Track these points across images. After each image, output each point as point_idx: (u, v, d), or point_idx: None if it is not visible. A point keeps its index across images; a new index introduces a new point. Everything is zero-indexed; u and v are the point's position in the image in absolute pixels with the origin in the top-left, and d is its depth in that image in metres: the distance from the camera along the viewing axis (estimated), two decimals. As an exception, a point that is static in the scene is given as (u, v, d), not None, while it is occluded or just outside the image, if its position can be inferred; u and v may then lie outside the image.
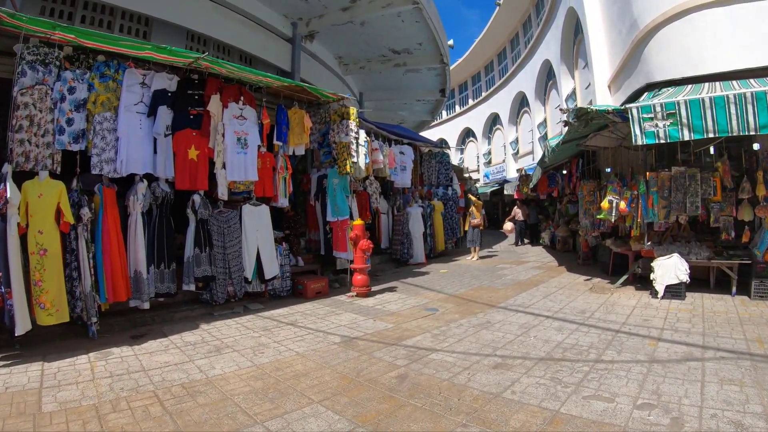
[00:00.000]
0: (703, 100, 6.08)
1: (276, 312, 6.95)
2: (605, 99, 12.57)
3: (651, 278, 7.18)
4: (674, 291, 7.00)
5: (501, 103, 29.31)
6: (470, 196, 13.82)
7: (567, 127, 7.71)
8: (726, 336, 5.19)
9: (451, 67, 35.75)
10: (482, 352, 4.88)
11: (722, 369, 4.18)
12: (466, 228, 13.10)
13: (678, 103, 6.18)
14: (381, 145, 10.97)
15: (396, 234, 11.94)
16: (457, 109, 38.15)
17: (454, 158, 32.73)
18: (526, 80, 24.87)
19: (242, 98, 7.37)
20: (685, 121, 6.14)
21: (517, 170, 24.10)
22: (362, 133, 9.52)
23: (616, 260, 9.09)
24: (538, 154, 22.84)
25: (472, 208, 12.61)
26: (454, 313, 6.66)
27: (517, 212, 16.25)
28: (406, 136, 12.79)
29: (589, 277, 9.09)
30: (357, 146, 8.99)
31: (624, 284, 8.07)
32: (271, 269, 7.60)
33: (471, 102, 35.49)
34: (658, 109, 6.28)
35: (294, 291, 8.17)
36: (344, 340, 5.47)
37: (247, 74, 7.27)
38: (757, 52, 7.59)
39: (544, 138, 22.99)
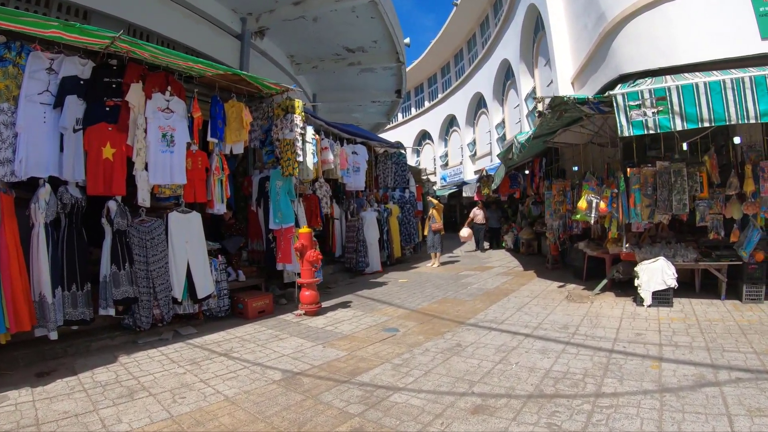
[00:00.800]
0: (696, 85, 5.36)
1: (210, 338, 5.80)
2: (569, 95, 11.99)
3: (636, 284, 6.43)
4: (662, 297, 6.28)
5: (458, 104, 28.80)
6: (430, 198, 12.83)
7: (540, 119, 6.89)
8: (733, 349, 4.48)
9: (407, 69, 34.95)
10: (456, 389, 3.88)
11: (744, 395, 3.47)
12: (425, 233, 12.16)
13: (669, 89, 5.44)
14: (331, 143, 9.87)
15: (349, 241, 10.85)
16: (413, 111, 37.51)
17: (411, 160, 31.97)
18: (483, 81, 24.40)
19: (169, 88, 6.22)
20: (677, 108, 5.40)
21: (475, 172, 23.56)
22: (310, 130, 8.44)
23: (591, 264, 8.36)
24: (496, 154, 22.37)
25: (433, 212, 11.70)
26: (418, 333, 5.64)
27: (477, 215, 15.30)
28: (359, 134, 11.74)
29: (562, 284, 8.30)
30: (303, 144, 7.95)
31: (602, 290, 7.31)
32: (204, 287, 6.39)
33: (427, 104, 34.91)
34: (647, 95, 5.52)
35: (233, 310, 6.99)
36: (286, 376, 4.37)
37: (175, 59, 6.07)
38: (734, 42, 7.08)
39: (502, 139, 22.53)
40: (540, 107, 6.52)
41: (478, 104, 26.52)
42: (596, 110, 6.88)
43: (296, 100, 7.75)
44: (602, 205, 6.82)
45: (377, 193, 12.92)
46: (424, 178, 18.57)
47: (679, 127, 5.41)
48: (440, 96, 32.19)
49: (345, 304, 7.52)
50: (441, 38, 29.21)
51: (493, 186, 13.31)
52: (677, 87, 5.42)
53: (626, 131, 5.59)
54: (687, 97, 5.37)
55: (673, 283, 6.27)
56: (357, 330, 5.91)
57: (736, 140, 6.57)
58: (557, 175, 12.87)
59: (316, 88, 19.38)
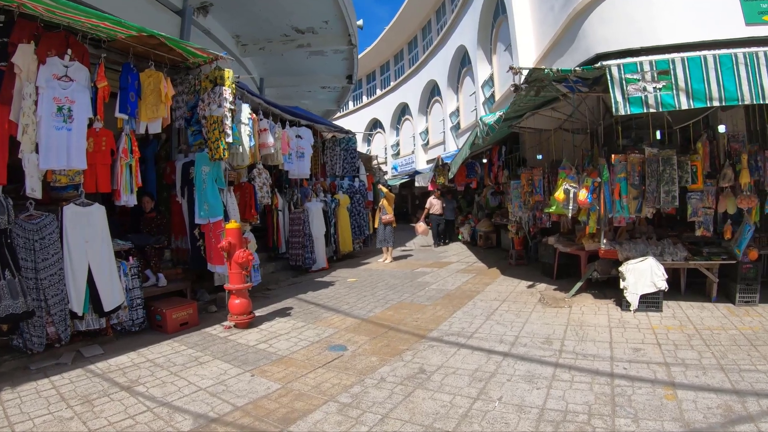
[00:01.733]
0: (705, 58, 4.54)
1: (117, 361, 4.55)
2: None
3: (621, 286, 5.60)
4: (650, 301, 5.50)
5: (411, 92, 27.80)
6: (381, 187, 11.55)
7: (516, 94, 5.87)
8: (749, 367, 3.76)
9: (360, 56, 33.63)
10: (427, 447, 2.78)
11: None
12: (376, 225, 11.02)
13: (673, 61, 4.59)
14: (271, 125, 8.51)
15: (294, 235, 9.56)
16: (365, 99, 36.23)
17: (362, 148, 30.73)
18: (438, 68, 23.48)
19: (70, 51, 4.86)
20: (682, 84, 4.55)
21: (428, 161, 22.69)
22: (245, 109, 7.15)
23: (562, 261, 7.54)
24: (450, 144, 21.57)
25: (383, 202, 10.59)
26: (371, 353, 4.54)
27: (434, 204, 13.61)
28: (304, 116, 10.39)
29: (531, 283, 7.42)
30: (238, 125, 6.76)
31: (578, 292, 6.45)
32: (111, 296, 5.05)
33: (379, 92, 33.71)
34: (647, 67, 4.63)
35: (151, 323, 5.68)
36: (198, 425, 3.20)
37: (76, 15, 4.63)
38: (717, 25, 6.50)
39: (456, 128, 21.74)
40: (516, 80, 5.49)
41: (432, 92, 25.62)
42: (574, 90, 5.98)
43: (226, 70, 6.42)
44: (582, 195, 5.92)
45: (324, 182, 11.66)
46: (375, 166, 17.35)
47: (684, 106, 4.54)
48: (393, 84, 31.07)
49: (285, 312, 6.31)
50: (395, 24, 28.05)
51: (450, 175, 12.34)
52: (683, 60, 4.56)
53: (622, 109, 4.67)
54: (694, 72, 4.51)
55: (664, 286, 5.49)
56: (296, 349, 4.73)
57: (721, 129, 5.83)
58: (519, 164, 12.08)
59: (263, 72, 17.88)
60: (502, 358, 4.21)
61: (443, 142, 22.97)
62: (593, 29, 7.89)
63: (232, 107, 6.54)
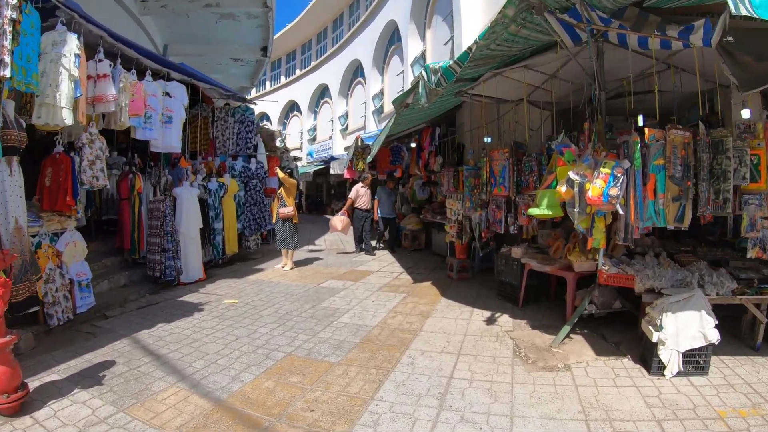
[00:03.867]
0: None
1: None
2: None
3: (656, 339, 3.27)
4: (692, 359, 3.28)
5: (332, 73, 24.78)
6: (277, 171, 8.26)
7: (501, 15, 3.36)
8: None
9: (280, 34, 30.31)
10: None
11: None
12: (273, 220, 8.07)
13: None
14: (117, 71, 5.33)
15: (153, 234, 6.39)
16: (283, 80, 32.55)
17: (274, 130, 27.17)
18: (363, 46, 20.71)
19: None
20: None
21: (346, 148, 19.90)
22: (71, 39, 4.20)
23: (531, 281, 5.18)
24: (371, 128, 18.96)
25: (281, 192, 7.70)
26: None
27: (360, 195, 9.78)
28: (176, 67, 7.10)
29: (489, 314, 4.95)
30: (55, 62, 4.10)
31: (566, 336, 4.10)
32: None
33: (298, 72, 30.24)
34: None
35: None
36: None
37: None
38: None
39: (379, 111, 19.17)
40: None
41: (355, 73, 22.83)
42: (583, 20, 3.58)
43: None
44: (595, 190, 3.51)
45: (212, 162, 8.53)
46: (281, 144, 14.02)
47: None
48: (313, 63, 27.79)
49: (97, 374, 3.37)
50: (319, 1, 24.88)
51: (369, 158, 9.66)
52: None
53: (744, 8, 2.27)
54: None
55: (716, 337, 3.26)
56: None
57: (745, 113, 3.71)
58: (456, 150, 9.74)
59: (167, 38, 14.17)
60: None
61: (364, 128, 20.30)
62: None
63: (15, 16, 3.46)
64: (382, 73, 19.53)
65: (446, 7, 12.86)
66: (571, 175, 3.54)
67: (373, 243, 10.49)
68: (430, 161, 10.03)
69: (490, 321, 4.78)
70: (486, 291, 6.08)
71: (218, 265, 7.75)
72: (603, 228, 3.86)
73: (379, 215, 10.20)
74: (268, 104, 32.38)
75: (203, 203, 7.28)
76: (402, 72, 16.76)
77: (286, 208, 7.58)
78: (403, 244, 10.25)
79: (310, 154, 26.90)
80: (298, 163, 21.39)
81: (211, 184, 7.60)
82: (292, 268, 7.62)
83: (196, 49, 15.42)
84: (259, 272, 7.46)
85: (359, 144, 11.10)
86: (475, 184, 5.98)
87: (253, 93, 34.29)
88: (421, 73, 4.55)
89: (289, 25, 28.80)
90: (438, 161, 9.58)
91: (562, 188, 3.66)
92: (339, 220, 9.07)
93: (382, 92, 19.28)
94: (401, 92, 17.09)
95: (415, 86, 4.71)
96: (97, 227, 7.68)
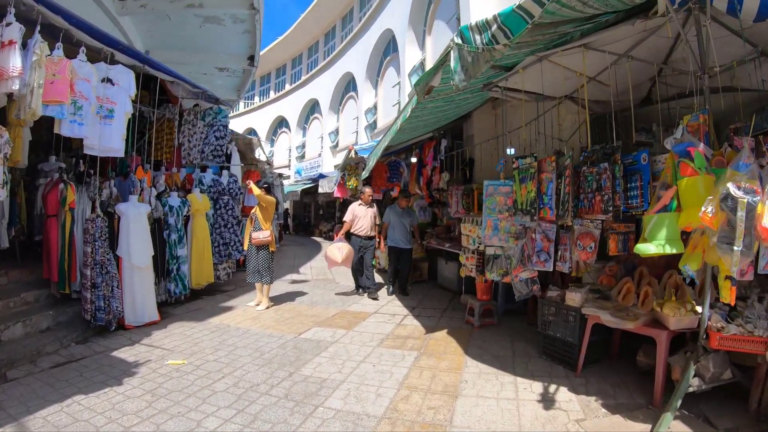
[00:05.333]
0: None
1: None
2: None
3: None
4: None
5: (323, 87, 23.47)
6: (250, 186, 6.32)
7: None
8: None
9: (270, 47, 29.11)
10: None
11: None
12: (245, 246, 6.44)
13: None
14: (33, 41, 3.87)
15: (86, 262, 4.78)
16: (272, 94, 31.21)
17: (265, 149, 25.66)
18: (357, 58, 19.45)
19: None
20: None
21: (335, 166, 18.38)
22: None
23: (594, 337, 3.71)
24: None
25: (256, 211, 6.15)
26: None
27: (359, 217, 7.18)
28: (125, 49, 5.51)
29: (540, 387, 3.43)
30: None
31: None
32: None
33: (288, 87, 28.92)
34: None
35: None
36: None
37: None
38: None
39: (372, 127, 17.80)
40: None
41: (347, 87, 21.53)
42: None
43: None
44: None
45: (177, 175, 7.00)
46: (261, 156, 12.29)
47: None
48: (304, 77, 26.50)
49: None
50: (311, 13, 23.70)
51: (364, 173, 8.12)
52: None
53: None
54: None
55: None
56: None
57: None
58: (465, 165, 8.32)
59: (148, 43, 12.73)
60: None
61: (355, 144, 18.96)
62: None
63: None
64: (375, 86, 18.25)
65: (450, 10, 11.62)
66: (733, 190, 2.08)
67: (379, 279, 8.15)
68: (433, 178, 8.60)
69: (547, 401, 3.25)
70: (522, 345, 4.56)
71: (179, 302, 6.13)
72: (731, 269, 2.39)
73: (387, 244, 7.38)
74: (257, 120, 31.06)
75: (160, 224, 5.72)
76: (398, 83, 15.45)
77: (261, 232, 5.96)
78: (402, 274, 8.71)
79: (298, 172, 25.40)
80: (285, 182, 19.87)
81: (172, 199, 6.02)
82: (267, 307, 5.99)
83: (179, 56, 13.95)
84: (226, 312, 5.82)
85: (353, 156, 9.59)
86: (505, 206, 4.51)
87: (242, 108, 32.99)
88: (452, 41, 3.11)
89: (280, 39, 27.64)
90: (444, 178, 8.15)
91: (708, 210, 2.19)
92: (337, 248, 6.69)
93: (375, 106, 17.96)
94: (395, 104, 15.63)
95: (443, 60, 3.26)
96: (27, 251, 6.09)
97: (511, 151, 6.47)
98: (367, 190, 7.41)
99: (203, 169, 7.28)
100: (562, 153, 4.55)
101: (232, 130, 8.26)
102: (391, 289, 7.41)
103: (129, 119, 5.26)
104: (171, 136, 7.47)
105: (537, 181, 4.18)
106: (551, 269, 4.27)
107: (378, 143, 7.12)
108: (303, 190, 20.49)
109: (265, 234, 5.96)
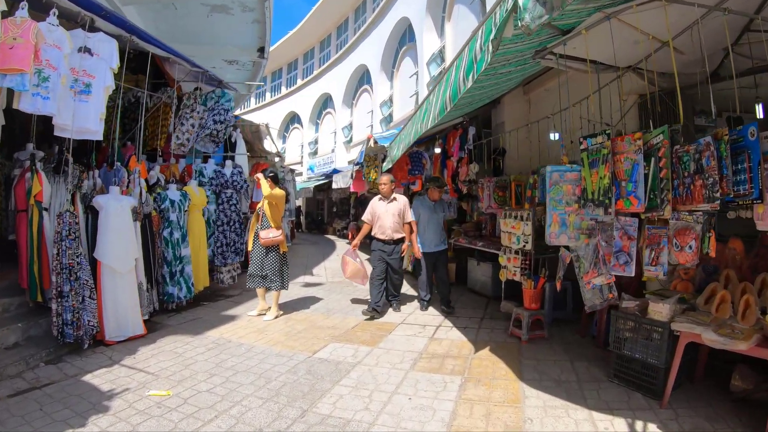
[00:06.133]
0: None
1: None
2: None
3: None
4: None
5: (335, 80, 22.66)
6: (259, 177, 5.36)
7: None
8: None
9: (281, 42, 28.34)
10: None
11: None
12: (249, 248, 5.33)
13: None
14: None
15: (54, 267, 3.96)
16: (284, 90, 30.44)
17: (278, 145, 24.85)
18: (371, 49, 18.58)
19: None
20: None
21: (350, 162, 17.49)
22: None
23: (684, 359, 2.89)
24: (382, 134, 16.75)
25: (264, 206, 5.21)
26: None
27: (378, 214, 5.55)
28: (108, 15, 4.63)
29: (625, 425, 2.58)
30: None
31: None
32: None
33: (300, 82, 28.14)
34: None
35: None
36: None
37: None
38: None
39: (387, 120, 16.93)
40: None
41: (361, 80, 20.68)
42: None
43: None
44: None
45: (175, 166, 6.23)
46: (271, 148, 11.35)
47: None
48: (316, 72, 25.69)
49: None
50: (325, 3, 22.84)
51: (387, 164, 7.23)
52: None
53: None
54: None
55: None
56: None
57: None
58: (499, 154, 7.43)
59: (154, 35, 12.09)
60: None
61: (363, 145, 18.10)
62: None
63: None
64: (391, 78, 17.35)
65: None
66: None
67: (401, 291, 6.10)
68: (459, 170, 7.72)
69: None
70: (584, 365, 3.67)
71: (177, 309, 5.33)
72: None
73: (421, 249, 5.63)
74: (268, 116, 30.33)
75: (150, 219, 4.91)
76: (416, 73, 14.56)
77: (270, 231, 5.07)
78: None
79: (311, 168, 24.63)
80: (298, 179, 19.06)
81: (172, 192, 5.22)
82: (277, 316, 5.13)
83: (186, 49, 13.12)
84: (227, 323, 4.96)
85: (372, 146, 8.69)
86: (574, 196, 3.61)
87: (253, 104, 32.31)
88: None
89: (291, 33, 26.78)
90: (473, 169, 7.27)
91: None
92: (351, 265, 5.72)
93: (391, 99, 17.07)
94: (412, 95, 14.68)
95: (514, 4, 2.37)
96: (4, 252, 5.34)
97: (555, 136, 5.58)
98: (385, 177, 5.70)
99: (205, 159, 6.48)
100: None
101: (237, 116, 7.46)
102: (425, 303, 5.72)
103: (123, 109, 4.47)
104: (167, 123, 6.70)
105: (611, 165, 3.29)
106: (632, 274, 3.39)
107: (401, 130, 6.23)
108: (316, 187, 19.74)
109: (275, 233, 5.07)
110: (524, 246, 4.58)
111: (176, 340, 4.26)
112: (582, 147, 3.60)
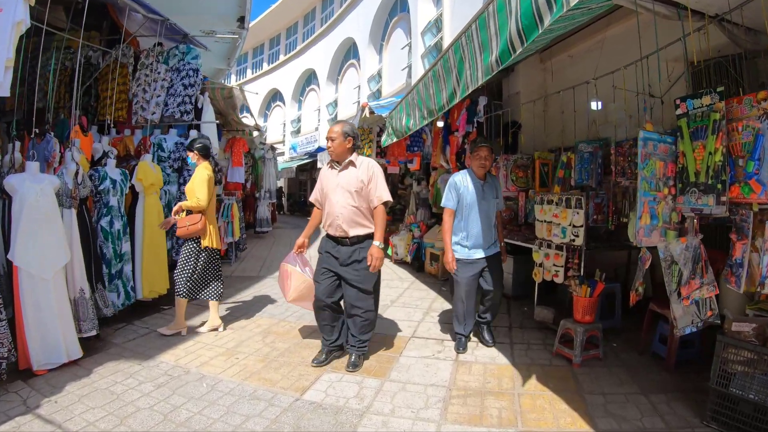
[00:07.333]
0: None
1: None
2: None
3: None
4: None
5: (320, 56, 21.14)
6: (190, 153, 3.91)
7: None
8: None
9: (262, 16, 26.50)
10: None
11: None
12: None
13: None
14: None
15: None
16: (265, 66, 28.70)
17: (259, 125, 23.02)
18: (359, 22, 17.14)
19: None
20: None
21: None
22: None
23: None
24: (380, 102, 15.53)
25: (193, 187, 3.82)
26: None
27: (326, 197, 3.37)
28: None
29: None
30: None
31: None
32: None
33: (282, 57, 26.46)
34: None
35: None
36: None
37: None
38: None
39: (376, 95, 15.65)
40: None
41: (347, 54, 19.24)
42: None
43: None
44: None
45: (129, 138, 5.03)
46: (248, 120, 10.02)
47: None
48: (299, 47, 24.07)
49: None
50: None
51: (387, 139, 6.09)
52: None
53: None
54: None
55: None
56: None
57: None
58: (514, 128, 6.36)
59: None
60: None
61: (355, 116, 16.84)
62: None
63: None
64: (380, 51, 16.02)
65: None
66: None
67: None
68: (466, 147, 6.64)
69: None
70: (664, 400, 2.67)
71: (127, 318, 4.17)
72: None
73: (459, 256, 3.56)
74: (249, 94, 28.55)
75: (86, 211, 3.71)
76: (408, 44, 13.30)
77: (190, 219, 3.72)
78: (429, 269, 6.77)
79: (293, 147, 23.22)
80: (280, 158, 17.75)
81: (110, 169, 4.01)
82: (215, 329, 3.97)
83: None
84: (187, 341, 3.76)
85: (367, 116, 7.50)
86: (663, 178, 2.57)
87: (233, 81, 30.42)
88: None
89: (273, 6, 25.05)
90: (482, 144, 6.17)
91: None
92: (296, 278, 3.70)
93: (379, 73, 15.77)
94: (405, 68, 13.39)
95: None
96: None
97: (597, 105, 4.54)
98: (336, 127, 3.36)
99: (166, 130, 5.24)
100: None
101: (206, 77, 6.23)
102: (463, 341, 3.62)
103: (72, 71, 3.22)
104: (125, 87, 5.42)
105: (724, 136, 2.23)
106: (740, 288, 2.39)
107: (403, 97, 5.06)
108: (299, 167, 18.46)
109: (196, 222, 3.69)
110: (572, 240, 3.55)
111: (117, 370, 3.10)
112: (679, 111, 2.54)
